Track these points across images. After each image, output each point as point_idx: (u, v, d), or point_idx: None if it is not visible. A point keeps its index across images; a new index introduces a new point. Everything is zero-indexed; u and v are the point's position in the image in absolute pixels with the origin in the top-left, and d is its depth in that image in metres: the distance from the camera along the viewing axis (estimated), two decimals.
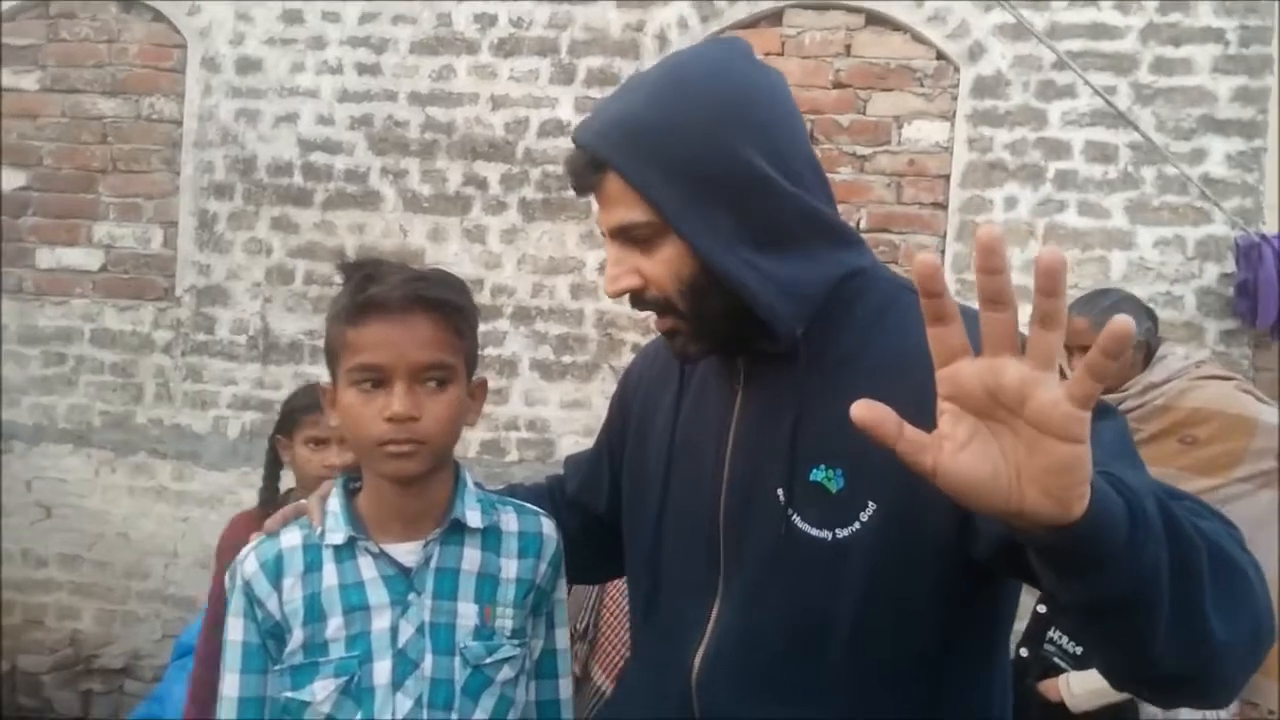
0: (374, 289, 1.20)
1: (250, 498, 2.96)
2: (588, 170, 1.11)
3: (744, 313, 1.09)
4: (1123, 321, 0.70)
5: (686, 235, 1.07)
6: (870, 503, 1.06)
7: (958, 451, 0.79)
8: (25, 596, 4.30)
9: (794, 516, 1.10)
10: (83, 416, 4.29)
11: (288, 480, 2.52)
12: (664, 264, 1.10)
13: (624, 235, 1.11)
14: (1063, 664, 2.56)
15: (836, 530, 1.08)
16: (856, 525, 1.07)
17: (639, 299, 1.13)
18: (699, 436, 1.22)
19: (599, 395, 4.02)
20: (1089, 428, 0.74)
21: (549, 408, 4.07)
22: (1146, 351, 2.81)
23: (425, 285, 1.22)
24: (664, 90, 1.07)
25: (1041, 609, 2.67)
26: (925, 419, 0.90)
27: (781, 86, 1.12)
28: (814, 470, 1.09)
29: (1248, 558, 0.90)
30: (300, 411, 2.40)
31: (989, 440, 0.78)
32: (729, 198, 1.06)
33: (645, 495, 1.28)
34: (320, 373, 3.66)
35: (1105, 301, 2.81)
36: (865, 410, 0.78)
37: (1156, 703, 1.12)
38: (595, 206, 3.82)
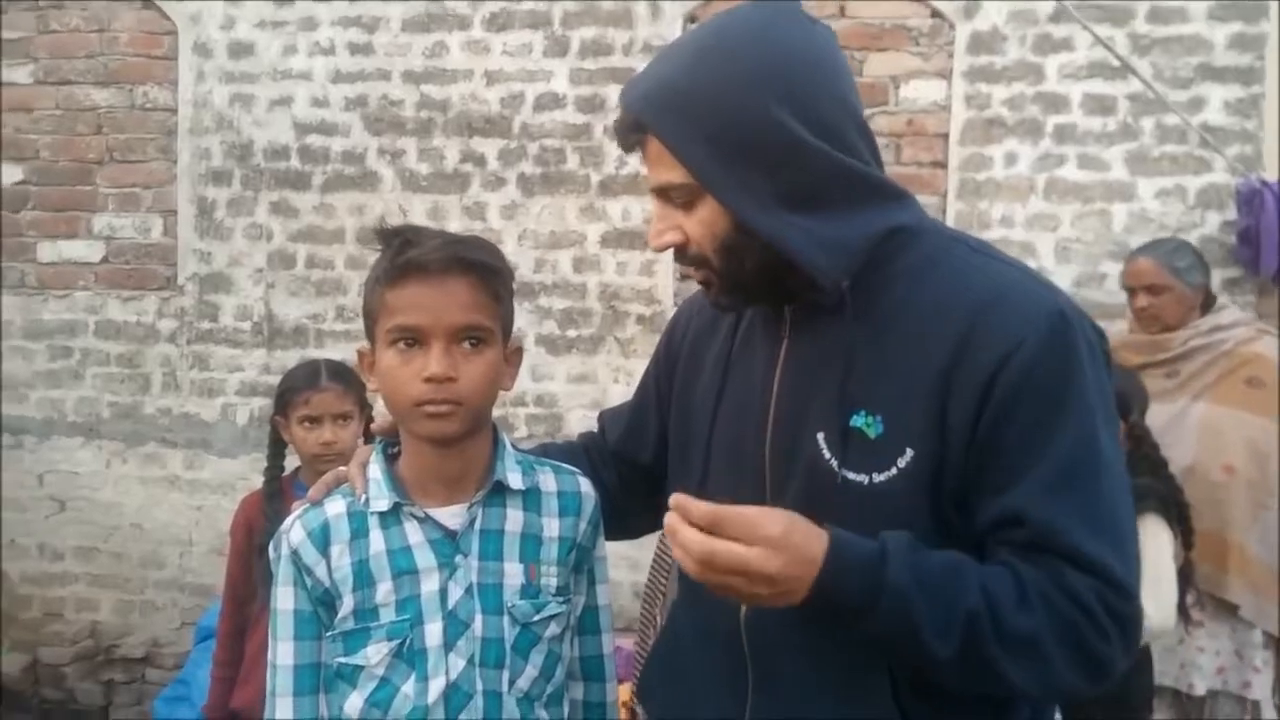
0: (412, 252, 1.22)
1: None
2: (631, 131, 1.17)
3: (781, 269, 1.15)
4: None
5: (721, 198, 1.12)
6: (908, 449, 1.11)
7: None
8: (43, 590, 4.32)
9: (832, 460, 1.15)
10: (91, 409, 4.29)
11: (294, 461, 2.54)
12: (701, 224, 1.16)
13: (665, 195, 1.17)
14: None
15: (874, 475, 1.13)
16: (893, 470, 1.12)
17: (681, 253, 1.20)
18: (747, 379, 1.26)
19: (605, 368, 4.03)
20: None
21: (556, 382, 4.07)
22: (1205, 297, 3.06)
23: (463, 248, 1.25)
24: (703, 56, 1.13)
25: None
26: (966, 362, 1.09)
27: (825, 45, 1.15)
28: (854, 416, 1.14)
29: (1058, 620, 1.05)
30: (292, 392, 2.42)
31: None
32: (764, 161, 1.10)
33: (693, 434, 1.33)
34: (325, 354, 3.68)
35: (1169, 245, 3.11)
36: None
37: None
38: (594, 180, 3.78)
